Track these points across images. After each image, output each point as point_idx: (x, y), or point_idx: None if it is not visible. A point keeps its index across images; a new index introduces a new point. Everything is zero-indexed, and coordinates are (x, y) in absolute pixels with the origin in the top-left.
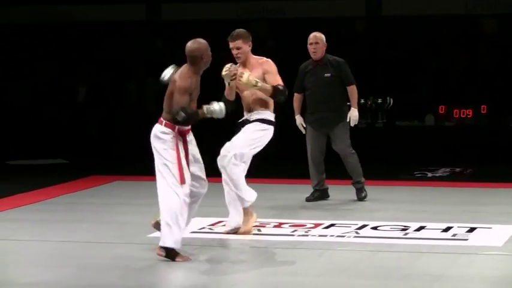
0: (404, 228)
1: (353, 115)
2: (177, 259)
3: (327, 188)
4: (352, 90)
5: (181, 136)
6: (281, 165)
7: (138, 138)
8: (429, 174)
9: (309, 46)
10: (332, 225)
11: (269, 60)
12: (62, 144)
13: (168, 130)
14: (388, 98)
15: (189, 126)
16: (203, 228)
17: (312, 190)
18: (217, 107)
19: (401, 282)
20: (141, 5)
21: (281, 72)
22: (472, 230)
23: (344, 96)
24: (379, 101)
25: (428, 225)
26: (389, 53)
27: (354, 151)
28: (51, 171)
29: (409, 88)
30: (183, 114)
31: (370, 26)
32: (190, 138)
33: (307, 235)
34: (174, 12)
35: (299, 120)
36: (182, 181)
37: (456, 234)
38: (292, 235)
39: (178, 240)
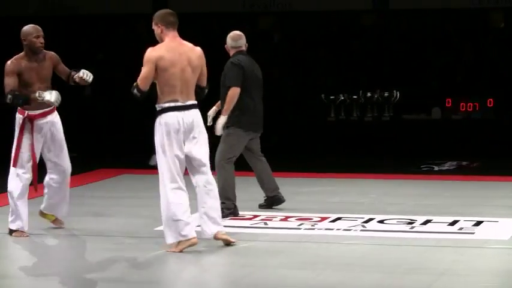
0: (411, 222)
1: (218, 123)
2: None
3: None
4: (228, 94)
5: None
6: (284, 159)
7: (144, 131)
8: (436, 168)
9: None
10: (338, 218)
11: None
12: (69, 138)
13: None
14: (394, 91)
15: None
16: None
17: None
18: (48, 96)
19: (407, 275)
20: None
21: (286, 65)
22: (478, 223)
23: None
24: (386, 94)
25: (435, 218)
26: (396, 46)
27: (223, 162)
28: None
29: (415, 81)
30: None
31: (377, 20)
32: None
33: (313, 228)
34: (181, 5)
35: None
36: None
37: (463, 228)
38: (299, 228)
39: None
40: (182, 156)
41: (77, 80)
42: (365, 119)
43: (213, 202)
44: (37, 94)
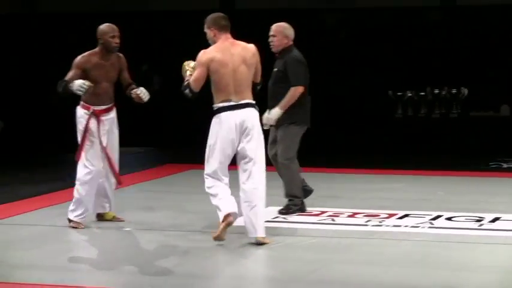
0: (479, 220)
1: (271, 114)
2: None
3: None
4: (290, 91)
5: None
6: (352, 156)
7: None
8: (504, 165)
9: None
10: (406, 215)
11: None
12: (136, 133)
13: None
14: (462, 88)
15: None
16: (277, 217)
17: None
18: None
19: (475, 273)
20: None
21: (353, 61)
22: None
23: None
24: (454, 91)
25: (504, 216)
26: (463, 43)
27: (288, 160)
28: (126, 160)
29: (483, 78)
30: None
31: (444, 16)
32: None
33: (381, 225)
34: (247, 2)
35: None
36: None
37: None
38: (366, 225)
39: None
40: (231, 155)
41: (133, 95)
42: (432, 116)
43: (257, 202)
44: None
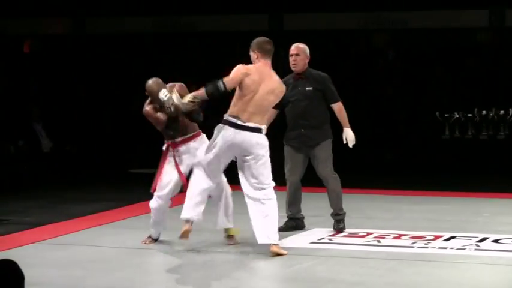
0: None
1: (348, 135)
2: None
3: (303, 218)
4: (339, 109)
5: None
6: (399, 177)
7: None
8: None
9: (289, 58)
10: (452, 237)
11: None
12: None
13: None
14: (510, 109)
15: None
16: (323, 238)
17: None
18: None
19: None
20: (264, 15)
21: (401, 82)
22: None
23: (326, 113)
24: (502, 112)
25: None
26: (511, 64)
27: (335, 174)
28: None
29: None
30: None
31: (493, 37)
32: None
33: (427, 247)
34: (296, 23)
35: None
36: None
37: None
38: (412, 247)
39: None
40: (225, 163)
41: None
42: (480, 137)
43: (272, 214)
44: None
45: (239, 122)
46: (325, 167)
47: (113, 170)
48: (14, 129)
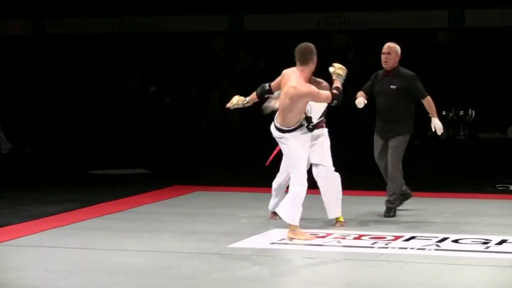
0: (486, 242)
1: (436, 125)
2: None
3: (407, 189)
4: (428, 102)
5: None
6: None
7: (219, 148)
8: (511, 187)
9: (381, 55)
10: (412, 237)
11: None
12: (143, 154)
13: None
14: (470, 109)
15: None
16: (283, 239)
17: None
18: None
19: None
20: (224, 16)
21: (360, 83)
22: None
23: (409, 109)
24: (461, 112)
25: (511, 238)
26: (471, 64)
27: (401, 167)
28: (133, 181)
29: (491, 100)
30: None
31: (453, 37)
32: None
33: (387, 247)
34: (256, 23)
35: (360, 94)
36: None
37: None
38: (372, 247)
39: None
40: None
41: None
42: (440, 138)
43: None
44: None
45: (275, 122)
46: (394, 157)
47: (73, 171)
48: None
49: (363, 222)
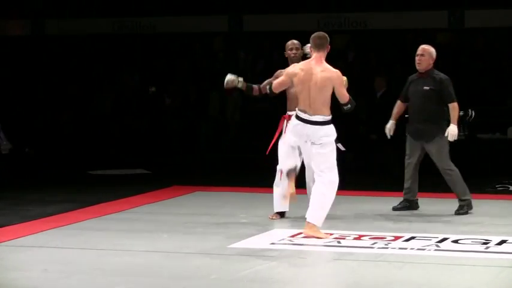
0: (486, 242)
1: (451, 130)
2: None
3: (416, 200)
4: (453, 108)
5: None
6: (358, 177)
7: (219, 148)
8: (511, 188)
9: (415, 57)
10: (412, 238)
11: None
12: (143, 155)
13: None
14: (470, 110)
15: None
16: (283, 239)
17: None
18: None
19: None
20: (224, 16)
21: (358, 84)
22: None
23: (442, 111)
24: (461, 113)
25: (510, 239)
26: (471, 64)
27: (452, 167)
28: (133, 181)
29: (491, 100)
30: None
31: (452, 38)
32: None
33: (387, 247)
34: (256, 24)
35: (389, 125)
36: None
37: None
38: (372, 247)
39: None
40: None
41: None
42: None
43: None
44: None
45: (305, 116)
46: (440, 161)
47: (72, 171)
48: None
49: (363, 223)
